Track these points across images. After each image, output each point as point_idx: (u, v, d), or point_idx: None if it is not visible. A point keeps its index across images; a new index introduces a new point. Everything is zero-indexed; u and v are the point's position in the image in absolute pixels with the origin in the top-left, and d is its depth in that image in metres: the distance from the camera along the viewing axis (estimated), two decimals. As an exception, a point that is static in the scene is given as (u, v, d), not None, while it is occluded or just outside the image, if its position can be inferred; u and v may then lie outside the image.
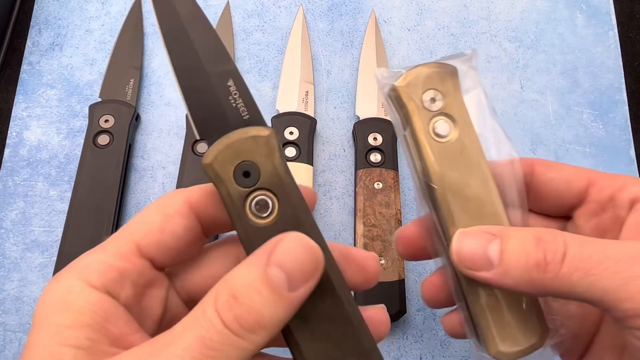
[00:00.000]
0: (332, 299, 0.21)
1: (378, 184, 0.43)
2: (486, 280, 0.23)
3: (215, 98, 0.22)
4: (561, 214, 0.27)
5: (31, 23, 0.51)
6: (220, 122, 0.22)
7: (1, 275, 0.42)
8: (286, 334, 0.21)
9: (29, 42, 0.50)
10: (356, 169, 0.44)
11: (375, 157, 0.44)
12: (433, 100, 0.25)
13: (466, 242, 0.23)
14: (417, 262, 0.41)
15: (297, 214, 0.21)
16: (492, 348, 0.24)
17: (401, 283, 0.40)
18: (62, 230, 0.42)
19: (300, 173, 0.43)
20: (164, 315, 0.23)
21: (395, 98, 0.25)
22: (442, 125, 0.25)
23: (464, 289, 0.25)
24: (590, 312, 0.26)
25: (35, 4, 0.51)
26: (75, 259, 0.21)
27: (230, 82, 0.22)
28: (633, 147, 0.47)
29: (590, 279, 0.21)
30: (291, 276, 0.18)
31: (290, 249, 0.19)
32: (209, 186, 0.22)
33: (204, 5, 0.51)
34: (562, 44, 0.51)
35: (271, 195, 0.21)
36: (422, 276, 0.43)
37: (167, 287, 0.23)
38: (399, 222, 0.42)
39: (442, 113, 0.25)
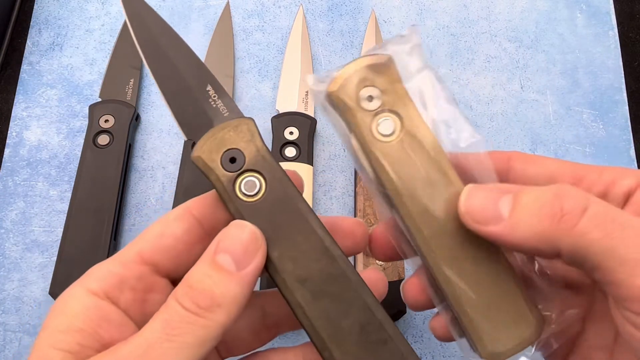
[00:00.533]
0: (327, 259, 0.23)
1: (378, 184, 0.43)
2: (494, 235, 0.21)
3: (198, 103, 0.25)
4: None
5: (31, 23, 0.51)
6: (204, 121, 0.25)
7: (1, 275, 0.42)
8: (288, 299, 0.23)
9: (29, 42, 0.50)
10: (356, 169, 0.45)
11: (375, 157, 0.44)
12: (370, 98, 0.23)
13: (476, 196, 0.22)
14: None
15: (283, 188, 0.23)
16: (482, 350, 0.23)
17: (401, 283, 0.40)
18: (62, 230, 0.42)
19: (300, 173, 0.43)
20: None
21: (331, 104, 0.23)
22: (386, 123, 0.23)
23: (444, 288, 0.23)
24: (574, 307, 0.25)
25: (35, 4, 0.51)
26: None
27: (209, 87, 0.25)
28: (633, 147, 0.47)
29: (612, 242, 0.19)
30: (237, 257, 0.21)
31: (233, 235, 0.21)
32: (206, 193, 0.25)
33: (204, 6, 0.51)
34: (562, 44, 0.51)
35: (257, 175, 0.23)
36: (422, 276, 0.43)
37: (170, 292, 0.24)
38: (399, 222, 0.42)
39: (383, 110, 0.23)
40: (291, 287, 0.22)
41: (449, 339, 0.25)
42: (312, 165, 0.44)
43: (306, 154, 0.44)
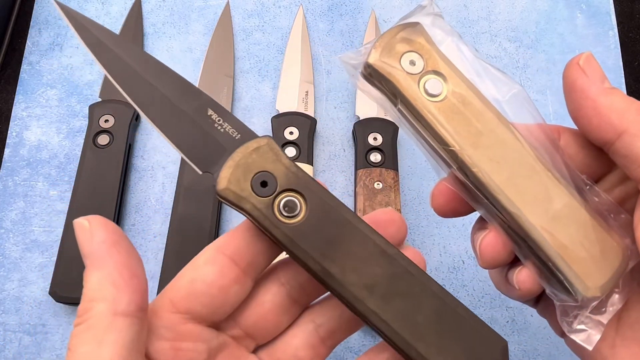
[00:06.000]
0: (386, 260, 0.22)
1: (378, 184, 0.43)
2: (586, 87, 0.24)
3: (203, 131, 0.23)
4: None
5: (31, 23, 0.51)
6: (217, 150, 0.23)
7: (1, 275, 0.42)
8: (359, 309, 0.22)
9: (29, 42, 0.50)
10: (356, 169, 0.44)
11: (375, 157, 0.44)
12: (413, 62, 0.23)
13: (595, 61, 0.24)
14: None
15: (324, 200, 0.22)
16: (583, 288, 0.22)
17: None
18: (62, 230, 0.42)
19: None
20: None
21: (374, 75, 0.23)
22: (432, 83, 0.23)
23: (527, 233, 0.23)
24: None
25: (35, 4, 0.51)
26: None
27: (210, 112, 0.24)
28: (633, 147, 0.47)
29: None
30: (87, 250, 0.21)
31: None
32: (236, 228, 0.23)
33: (204, 6, 0.51)
34: (562, 44, 0.51)
35: (294, 194, 0.22)
36: (422, 276, 0.43)
37: (205, 339, 0.23)
38: (399, 222, 0.42)
39: (427, 72, 0.23)
40: (360, 297, 0.22)
41: (532, 293, 0.24)
42: (312, 165, 0.44)
43: (306, 154, 0.44)
